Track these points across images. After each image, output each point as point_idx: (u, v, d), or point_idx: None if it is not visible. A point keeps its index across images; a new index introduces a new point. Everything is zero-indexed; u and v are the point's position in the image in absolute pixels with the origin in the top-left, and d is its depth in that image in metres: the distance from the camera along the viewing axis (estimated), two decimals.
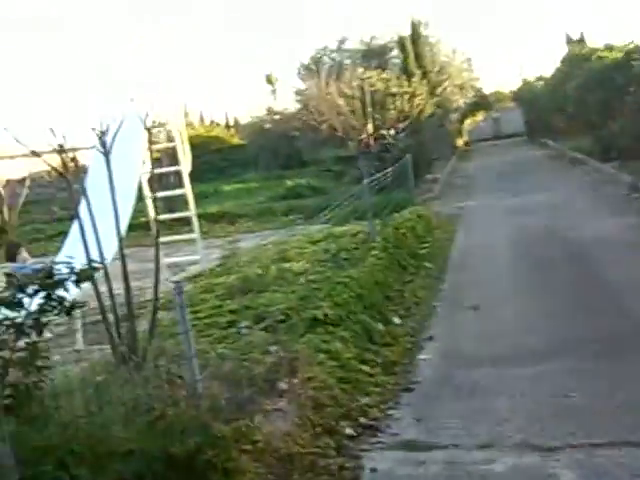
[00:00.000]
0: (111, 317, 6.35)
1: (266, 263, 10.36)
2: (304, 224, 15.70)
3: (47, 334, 8.10)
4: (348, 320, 7.12)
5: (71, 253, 9.41)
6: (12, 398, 3.85)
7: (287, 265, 10.10)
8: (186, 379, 4.83)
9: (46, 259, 12.11)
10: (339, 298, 7.48)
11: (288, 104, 39.34)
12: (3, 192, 20.57)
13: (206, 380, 5.29)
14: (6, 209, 20.42)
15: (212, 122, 49.78)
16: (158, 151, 11.12)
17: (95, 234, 6.41)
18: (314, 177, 25.42)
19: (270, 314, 7.62)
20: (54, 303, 3.94)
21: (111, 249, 8.49)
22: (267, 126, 39.46)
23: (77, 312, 7.77)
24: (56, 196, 26.21)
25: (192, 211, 10.59)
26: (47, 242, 19.21)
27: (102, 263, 6.45)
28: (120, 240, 6.64)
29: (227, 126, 50.27)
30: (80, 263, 5.97)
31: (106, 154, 6.35)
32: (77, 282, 4.16)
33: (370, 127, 22.89)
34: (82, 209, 6.59)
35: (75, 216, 6.67)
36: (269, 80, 55.04)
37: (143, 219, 15.27)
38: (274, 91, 54.66)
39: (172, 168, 10.71)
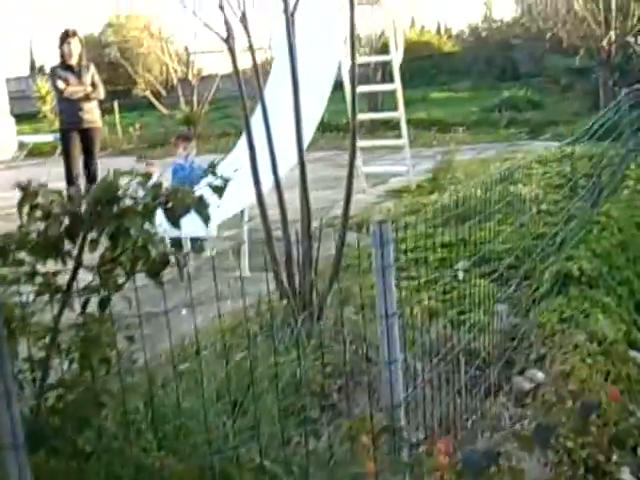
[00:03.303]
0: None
1: (487, 183, 8.34)
2: (527, 140, 13.39)
3: (207, 253, 6.58)
4: (610, 279, 5.02)
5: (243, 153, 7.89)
6: None
7: (512, 188, 8.04)
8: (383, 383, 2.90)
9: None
10: (597, 246, 5.37)
11: (506, 13, 36.30)
12: (193, 81, 19.60)
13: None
14: (196, 101, 19.46)
15: (423, 28, 47.09)
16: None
17: (267, 132, 4.69)
18: (534, 89, 22.60)
19: (496, 255, 5.68)
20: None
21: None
22: (483, 34, 36.75)
23: (244, 225, 6.21)
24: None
25: (401, 112, 8.61)
26: (237, 137, 17.91)
27: (274, 168, 4.75)
28: (299, 135, 4.80)
29: (439, 33, 47.57)
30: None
31: (286, 13, 4.50)
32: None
33: (612, 34, 19.62)
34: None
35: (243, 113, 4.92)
36: None
37: (344, 120, 13.56)
38: None
39: (380, 57, 8.76)
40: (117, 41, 28.91)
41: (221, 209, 5.72)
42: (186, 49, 22.18)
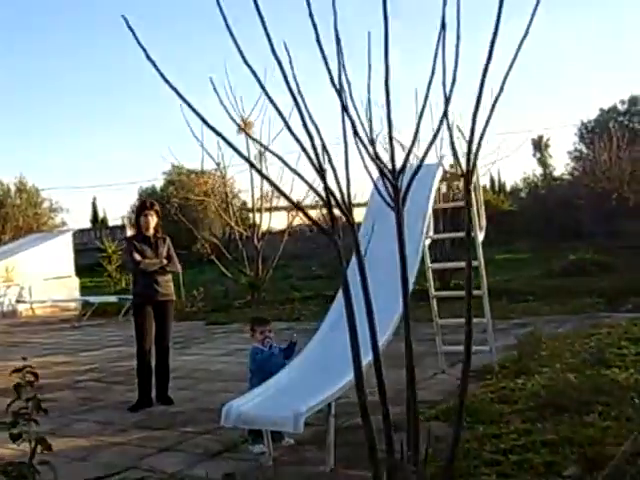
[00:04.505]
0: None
1: (577, 365, 7.90)
2: (606, 311, 12.88)
3: (286, 440, 6.20)
4: None
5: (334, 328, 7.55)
6: None
7: (607, 372, 7.59)
8: None
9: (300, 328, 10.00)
10: None
11: (560, 168, 36.74)
12: (259, 246, 19.62)
13: None
14: (261, 264, 19.47)
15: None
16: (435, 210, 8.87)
17: (367, 309, 4.37)
18: (600, 251, 22.17)
19: (607, 459, 5.18)
20: None
21: (386, 324, 6.54)
22: (542, 192, 36.94)
23: (331, 418, 5.81)
24: (316, 251, 25.04)
25: (484, 290, 8.33)
26: (301, 304, 17.80)
27: (374, 345, 4.39)
28: (407, 311, 4.48)
29: (493, 189, 48.21)
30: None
31: (398, 208, 4.33)
32: None
33: None
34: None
35: (343, 283, 4.53)
36: (537, 144, 51.55)
37: (417, 287, 13.26)
38: (542, 155, 51.31)
39: (461, 234, 8.58)
40: (178, 199, 29.56)
41: (309, 402, 5.40)
42: (244, 206, 22.34)
